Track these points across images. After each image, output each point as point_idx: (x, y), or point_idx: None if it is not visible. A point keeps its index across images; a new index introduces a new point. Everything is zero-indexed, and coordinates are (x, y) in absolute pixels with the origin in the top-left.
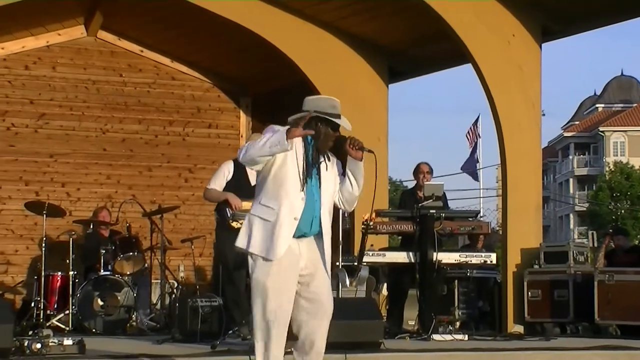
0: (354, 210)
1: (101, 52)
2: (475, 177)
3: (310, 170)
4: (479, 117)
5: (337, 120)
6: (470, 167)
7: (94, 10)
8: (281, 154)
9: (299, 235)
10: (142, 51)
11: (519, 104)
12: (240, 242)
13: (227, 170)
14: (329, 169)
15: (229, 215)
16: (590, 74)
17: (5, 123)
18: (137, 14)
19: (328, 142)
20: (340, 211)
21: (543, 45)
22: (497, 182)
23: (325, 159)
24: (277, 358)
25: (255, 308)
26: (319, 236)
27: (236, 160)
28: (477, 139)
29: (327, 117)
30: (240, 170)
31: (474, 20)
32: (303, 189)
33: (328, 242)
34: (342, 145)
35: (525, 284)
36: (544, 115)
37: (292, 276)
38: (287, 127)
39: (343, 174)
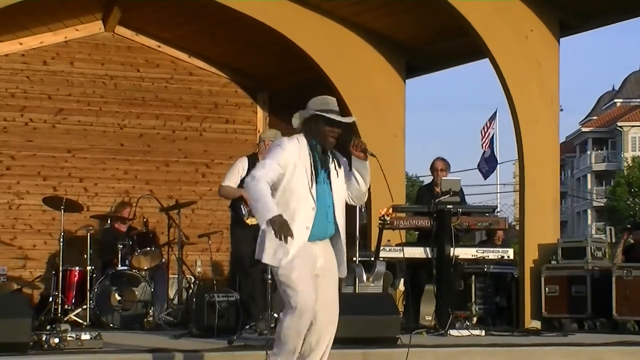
0: (370, 205)
1: (119, 47)
2: (485, 175)
3: (319, 176)
4: (496, 112)
5: (331, 116)
6: (488, 164)
7: (111, 6)
8: (291, 165)
9: (315, 239)
10: (159, 46)
11: (537, 99)
12: (257, 254)
13: (241, 167)
14: (338, 171)
15: (244, 212)
16: (608, 68)
17: (24, 118)
18: (155, 10)
19: (329, 139)
20: (357, 206)
21: (561, 40)
22: (514, 178)
23: (334, 161)
24: (299, 346)
25: (285, 298)
26: (335, 238)
27: (251, 156)
28: (489, 135)
29: (323, 113)
30: (254, 167)
31: (492, 16)
32: (312, 196)
33: (344, 243)
34: (347, 145)
35: (542, 279)
36: (561, 110)
37: (312, 271)
38: (275, 216)
39: (350, 169)
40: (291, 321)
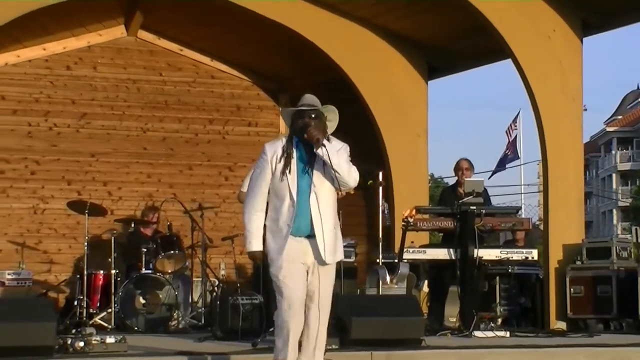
0: (394, 207)
1: (141, 51)
2: (490, 175)
3: (300, 172)
4: (519, 112)
5: (299, 108)
6: (498, 167)
7: (133, 10)
8: (279, 167)
9: (306, 235)
10: (181, 50)
11: (560, 98)
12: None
13: None
14: (322, 165)
15: None
16: (632, 68)
17: (48, 123)
18: (176, 13)
19: (304, 133)
20: (381, 208)
21: (584, 39)
22: (538, 178)
23: (321, 153)
24: (295, 334)
25: (277, 295)
26: (321, 232)
27: None
28: (512, 135)
29: (295, 109)
30: None
31: (514, 15)
32: (292, 194)
33: (330, 235)
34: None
35: (567, 280)
36: (585, 110)
37: (301, 267)
38: (251, 252)
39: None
40: (281, 310)
